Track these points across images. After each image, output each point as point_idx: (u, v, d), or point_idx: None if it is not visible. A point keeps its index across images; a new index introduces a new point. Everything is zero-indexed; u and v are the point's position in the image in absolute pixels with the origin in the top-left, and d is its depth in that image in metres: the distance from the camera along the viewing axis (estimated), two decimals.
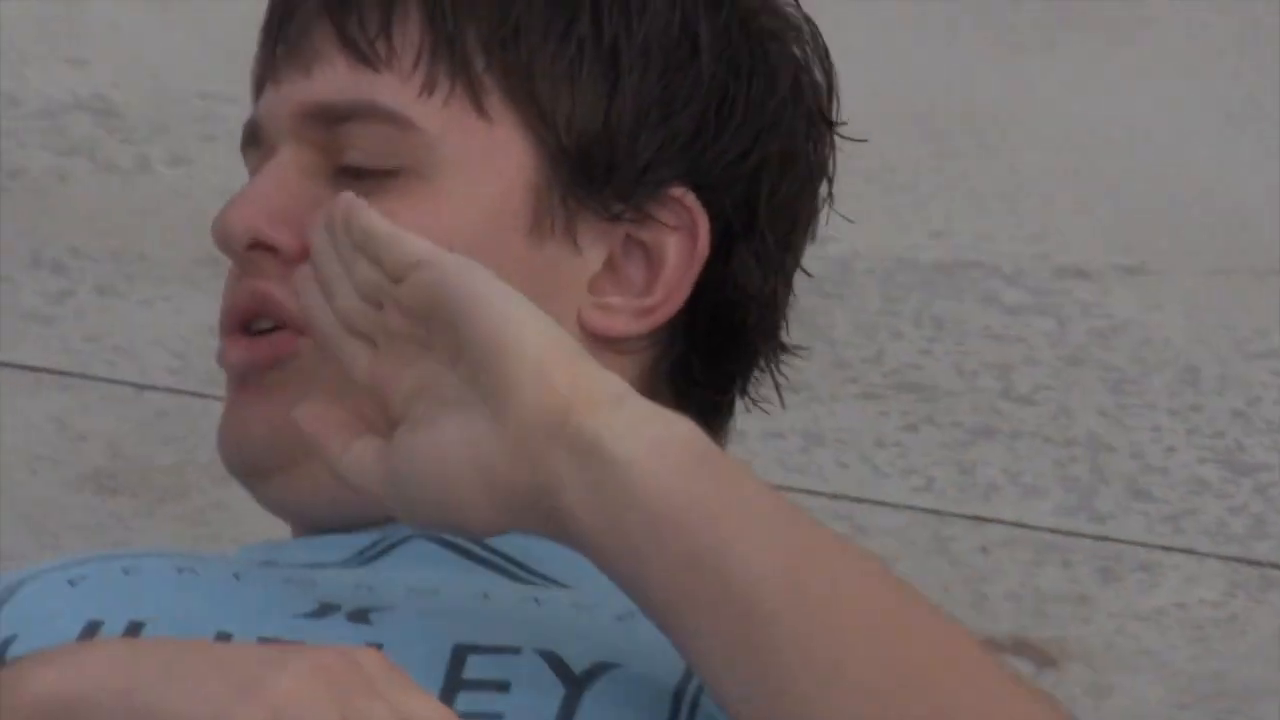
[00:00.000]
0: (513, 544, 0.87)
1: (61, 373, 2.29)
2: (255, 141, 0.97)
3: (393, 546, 0.91)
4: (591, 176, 0.92)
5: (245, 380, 0.94)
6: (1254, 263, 2.50)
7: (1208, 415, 2.38)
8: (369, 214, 0.78)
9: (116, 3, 2.54)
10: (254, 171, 0.97)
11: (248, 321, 0.94)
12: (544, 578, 0.90)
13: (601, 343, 0.92)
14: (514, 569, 0.90)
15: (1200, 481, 2.36)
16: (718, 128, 0.92)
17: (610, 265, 0.94)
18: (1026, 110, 2.54)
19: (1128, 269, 2.47)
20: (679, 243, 0.93)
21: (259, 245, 0.92)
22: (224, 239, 0.91)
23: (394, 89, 0.92)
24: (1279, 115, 2.55)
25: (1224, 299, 2.47)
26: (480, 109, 0.92)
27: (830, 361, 2.31)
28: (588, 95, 0.91)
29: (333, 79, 0.93)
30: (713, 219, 0.92)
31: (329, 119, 0.93)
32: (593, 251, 0.93)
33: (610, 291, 0.94)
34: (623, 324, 0.93)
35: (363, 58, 0.92)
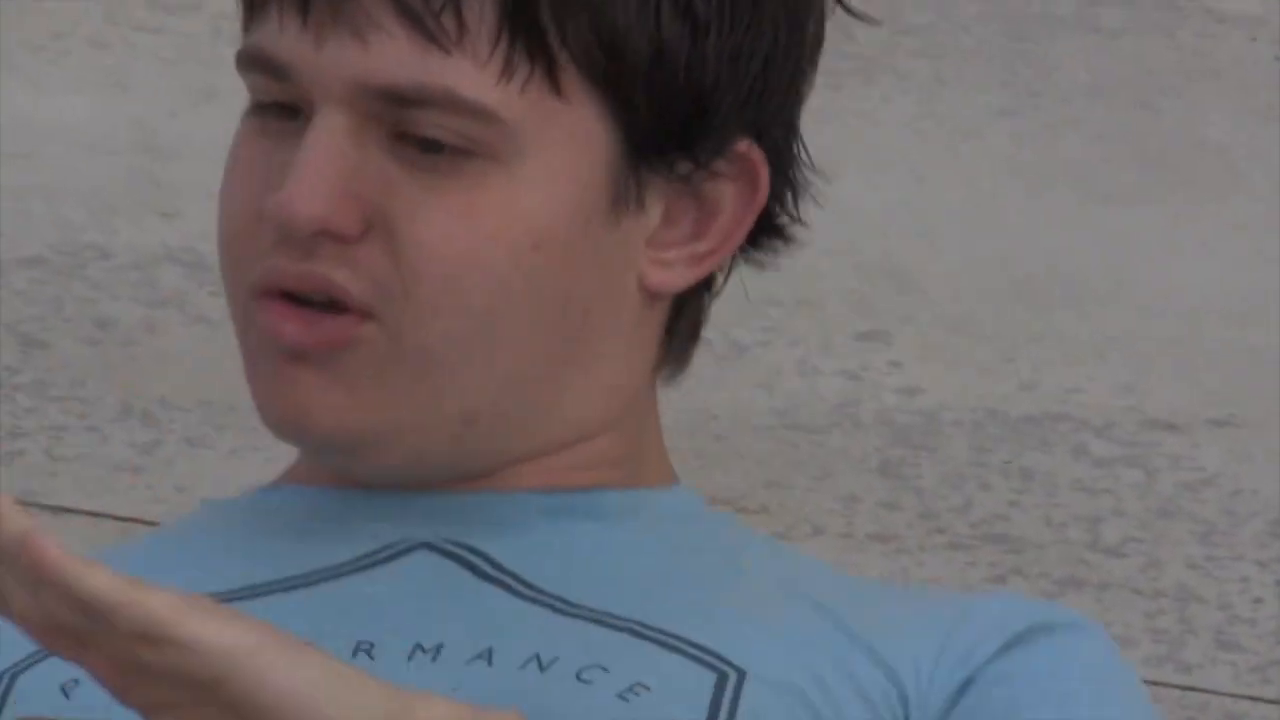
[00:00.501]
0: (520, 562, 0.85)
1: (151, 523, 2.31)
2: (279, 77, 0.85)
3: (397, 556, 0.86)
4: (667, 144, 0.86)
5: (304, 359, 0.85)
6: None
7: None
8: (63, 561, 0.63)
9: (204, 156, 2.59)
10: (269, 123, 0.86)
11: (296, 293, 0.85)
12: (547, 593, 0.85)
13: (657, 298, 0.87)
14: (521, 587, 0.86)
15: None
16: (773, 77, 0.88)
17: (666, 217, 0.88)
18: (1115, 265, 2.55)
19: (1216, 421, 2.47)
20: (737, 192, 0.88)
21: (322, 233, 0.83)
22: (286, 226, 0.82)
23: (471, 75, 0.83)
24: None
25: None
26: (559, 90, 0.84)
27: (918, 512, 2.31)
28: (667, 61, 0.85)
29: (396, 56, 0.83)
30: (770, 165, 0.88)
31: (392, 99, 0.83)
32: (654, 209, 0.87)
33: (668, 245, 0.88)
34: (679, 276, 0.88)
35: (429, 35, 0.82)
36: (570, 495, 0.88)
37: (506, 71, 0.83)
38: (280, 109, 0.85)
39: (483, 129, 0.83)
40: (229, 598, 0.83)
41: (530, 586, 0.84)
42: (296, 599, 0.86)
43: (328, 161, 0.83)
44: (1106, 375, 2.47)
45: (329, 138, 0.83)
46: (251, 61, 0.86)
